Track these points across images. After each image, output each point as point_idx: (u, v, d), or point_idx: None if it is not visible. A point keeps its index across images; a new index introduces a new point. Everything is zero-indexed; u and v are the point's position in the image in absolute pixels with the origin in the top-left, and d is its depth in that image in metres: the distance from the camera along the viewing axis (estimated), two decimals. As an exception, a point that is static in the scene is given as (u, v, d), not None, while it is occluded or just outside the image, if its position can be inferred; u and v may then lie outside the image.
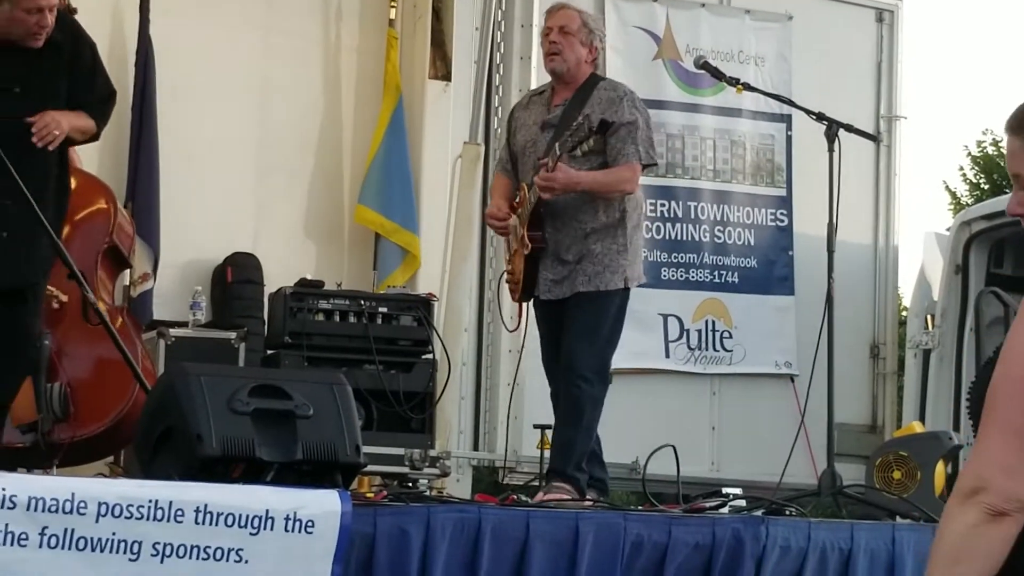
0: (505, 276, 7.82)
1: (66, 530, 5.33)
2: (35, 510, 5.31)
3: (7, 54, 6.77)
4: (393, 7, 10.75)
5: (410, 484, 8.23)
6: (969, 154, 30.11)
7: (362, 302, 9.08)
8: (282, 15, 10.68)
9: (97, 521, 5.38)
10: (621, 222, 7.54)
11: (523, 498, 7.36)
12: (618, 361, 9.49)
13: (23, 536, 5.29)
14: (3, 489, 5.30)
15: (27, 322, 7.09)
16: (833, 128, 8.02)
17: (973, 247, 10.62)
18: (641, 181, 9.45)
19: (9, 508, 5.28)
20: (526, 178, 7.46)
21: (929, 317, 11.36)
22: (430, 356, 8.83)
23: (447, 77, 10.42)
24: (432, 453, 8.52)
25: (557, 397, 7.63)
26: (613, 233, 7.50)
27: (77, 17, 7.68)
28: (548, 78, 8.10)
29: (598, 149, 7.35)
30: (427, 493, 7.69)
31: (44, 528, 5.33)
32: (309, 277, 9.29)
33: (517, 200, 7.56)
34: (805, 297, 10.34)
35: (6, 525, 5.28)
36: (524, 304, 7.99)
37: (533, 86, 8.89)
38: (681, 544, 6.47)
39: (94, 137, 7.19)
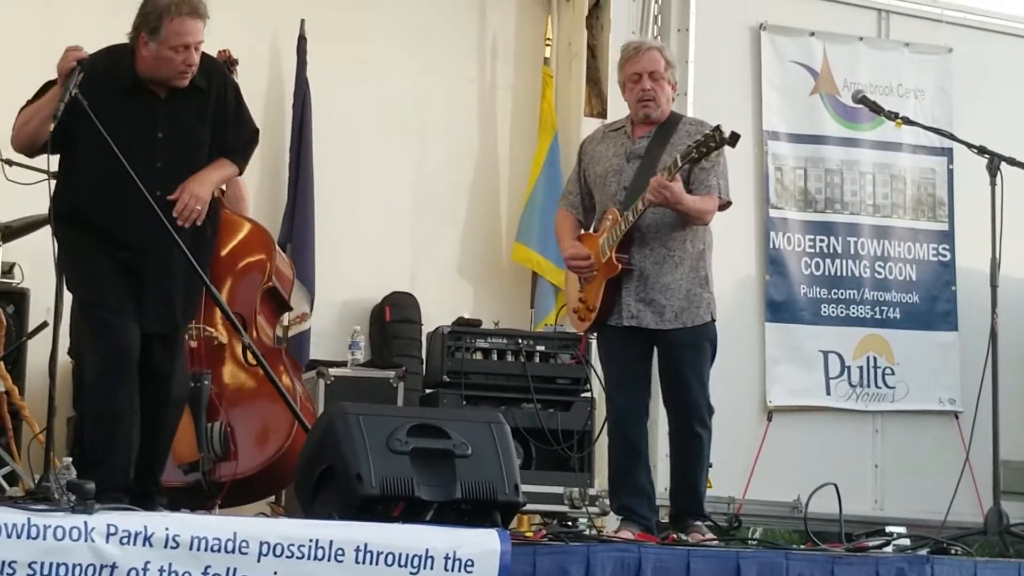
0: (573, 307, 7.75)
1: (228, 569, 5.33)
2: (198, 549, 5.27)
3: (152, 98, 6.77)
4: (548, 45, 10.74)
5: (569, 523, 8.09)
6: None
7: (520, 341, 9.03)
8: (437, 56, 10.71)
9: (259, 560, 5.38)
10: (703, 254, 7.49)
11: (682, 537, 7.08)
12: (779, 398, 10.24)
13: (187, 575, 5.29)
14: (167, 528, 5.24)
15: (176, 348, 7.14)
16: (995, 161, 7.80)
17: None
18: (800, 217, 10.47)
19: (172, 548, 5.24)
20: (608, 204, 7.47)
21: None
22: (588, 394, 8.69)
23: (603, 114, 10.11)
24: (591, 492, 8.29)
25: (632, 430, 7.60)
26: (696, 265, 7.45)
27: (239, 64, 8.03)
28: (621, 110, 8.16)
29: (683, 179, 7.30)
30: (587, 532, 7.53)
31: (207, 567, 5.29)
32: (466, 316, 9.25)
33: (598, 228, 7.56)
34: (969, 333, 10.08)
35: (170, 564, 5.24)
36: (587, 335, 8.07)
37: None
38: None
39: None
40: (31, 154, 6.83)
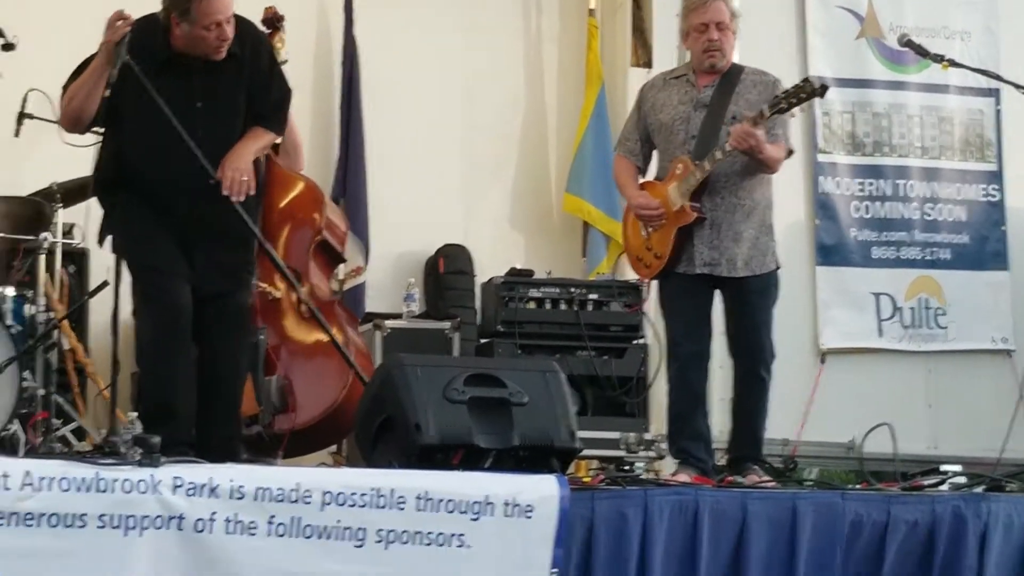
0: (637, 255, 7.76)
1: (293, 518, 5.38)
2: (262, 500, 5.36)
3: (188, 69, 6.83)
4: (592, 5, 10.75)
5: (626, 468, 8.08)
6: None
7: (572, 290, 9.03)
8: (483, 10, 10.70)
9: (322, 509, 5.42)
10: (769, 203, 7.51)
11: (739, 480, 7.13)
12: (831, 341, 10.26)
13: (252, 524, 5.36)
14: (231, 480, 5.35)
15: (243, 302, 7.25)
16: None
17: None
18: (848, 160, 10.55)
19: (238, 498, 5.32)
20: (675, 152, 7.45)
21: None
22: (642, 341, 8.72)
23: (649, 64, 10.20)
24: (647, 436, 8.35)
25: (694, 376, 7.64)
26: (764, 214, 7.46)
27: (285, 20, 8.20)
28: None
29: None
30: (643, 476, 7.54)
31: (272, 517, 5.35)
32: (519, 266, 9.29)
33: (661, 175, 7.62)
34: (1020, 272, 10.18)
35: (235, 514, 5.34)
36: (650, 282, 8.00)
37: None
38: (901, 522, 6.31)
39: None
40: (81, 130, 6.95)
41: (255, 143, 7.00)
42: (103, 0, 7.05)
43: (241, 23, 6.88)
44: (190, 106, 6.71)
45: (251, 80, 6.88)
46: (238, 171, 6.63)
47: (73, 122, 6.80)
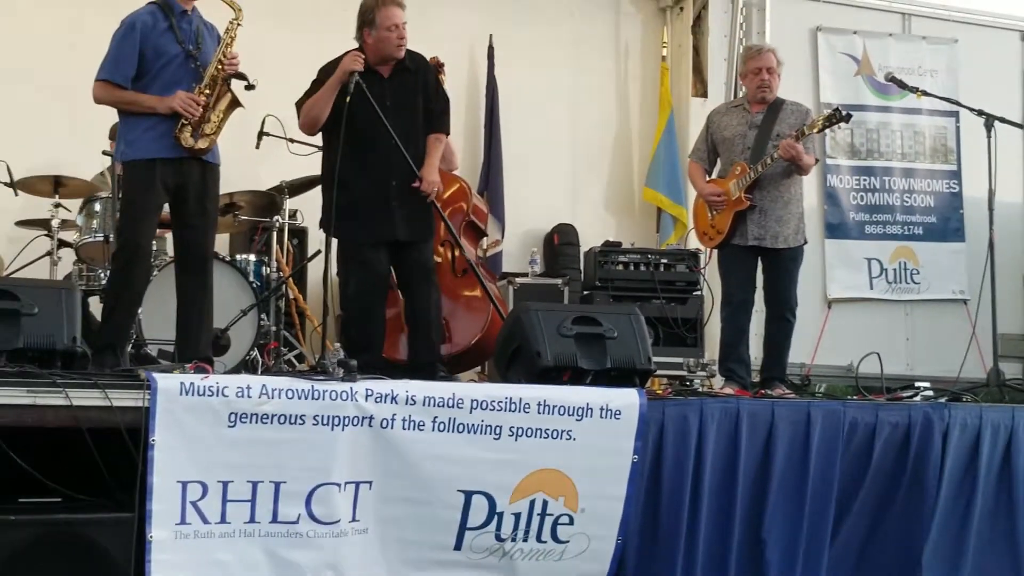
0: (703, 230, 8.06)
1: (450, 419, 5.65)
2: (428, 405, 5.62)
3: (379, 77, 6.96)
4: (664, 47, 11.18)
5: (687, 384, 8.35)
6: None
7: (649, 256, 9.48)
8: (586, 56, 11.27)
9: (471, 412, 5.68)
10: (801, 196, 7.74)
11: (768, 393, 7.32)
12: (835, 293, 10.80)
13: (421, 423, 5.60)
14: (407, 391, 5.57)
15: (429, 261, 7.32)
16: (989, 120, 8.21)
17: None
18: (848, 163, 10.96)
19: (411, 404, 5.58)
20: (734, 159, 7.74)
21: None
22: (699, 293, 9.20)
23: (704, 95, 10.80)
24: (702, 361, 8.75)
25: (742, 317, 7.93)
26: (798, 204, 7.70)
27: (445, 66, 8.33)
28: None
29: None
30: (700, 389, 7.83)
31: (435, 417, 5.61)
32: (611, 239, 9.85)
33: (724, 175, 7.87)
34: (973, 243, 10.61)
35: (409, 415, 5.59)
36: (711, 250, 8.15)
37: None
38: (885, 424, 6.53)
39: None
40: (313, 132, 7.25)
41: (436, 153, 7.08)
42: (314, 50, 7.71)
43: (414, 53, 7.14)
44: (382, 103, 6.84)
45: (424, 88, 6.97)
46: (432, 184, 6.91)
47: (311, 125, 7.09)
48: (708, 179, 7.82)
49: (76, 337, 5.67)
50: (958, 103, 9.31)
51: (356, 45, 6.92)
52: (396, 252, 7.02)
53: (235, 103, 6.73)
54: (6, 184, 8.06)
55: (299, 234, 9.06)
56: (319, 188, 7.65)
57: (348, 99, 6.67)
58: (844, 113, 7.63)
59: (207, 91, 6.51)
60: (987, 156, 8.27)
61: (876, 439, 6.47)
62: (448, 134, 7.37)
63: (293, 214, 8.82)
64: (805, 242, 7.67)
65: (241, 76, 6.78)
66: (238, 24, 6.80)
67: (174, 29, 6.69)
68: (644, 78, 11.29)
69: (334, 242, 6.99)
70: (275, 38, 9.17)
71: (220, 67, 6.74)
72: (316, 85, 6.94)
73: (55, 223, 7.95)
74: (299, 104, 7.05)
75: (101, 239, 7.58)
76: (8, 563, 4.99)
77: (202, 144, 6.42)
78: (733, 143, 7.63)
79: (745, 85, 7.81)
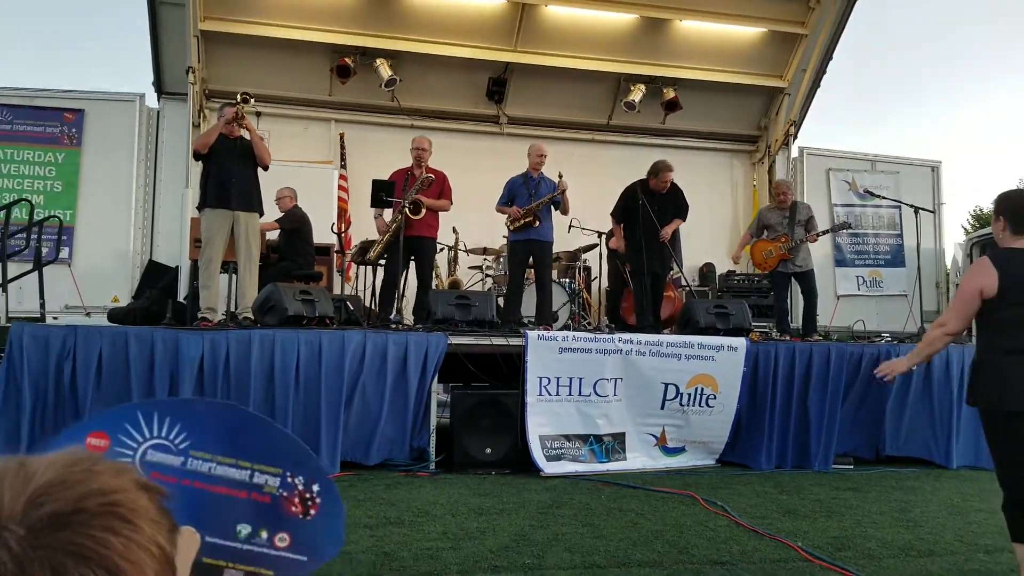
0: (760, 264, 7.21)
1: (658, 350, 5.40)
2: (648, 344, 5.35)
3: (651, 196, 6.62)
4: (754, 180, 10.71)
5: (768, 335, 7.91)
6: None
7: (749, 277, 9.15)
8: (717, 185, 10.61)
9: (667, 347, 5.46)
10: (811, 249, 7.33)
11: (806, 339, 6.59)
12: (841, 291, 9.67)
13: (644, 352, 5.30)
14: (638, 338, 5.35)
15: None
16: (916, 209, 7.53)
17: (975, 249, 10.35)
18: (847, 232, 9.79)
19: (639, 344, 5.30)
20: (776, 232, 7.13)
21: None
22: (772, 293, 8.67)
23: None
24: (772, 326, 8.15)
25: (783, 303, 7.24)
26: (810, 252, 7.24)
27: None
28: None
29: (805, 228, 7.20)
30: (774, 337, 7.32)
31: (650, 349, 5.33)
32: (730, 269, 9.38)
33: (776, 240, 7.10)
34: (909, 268, 9.82)
35: (638, 348, 5.29)
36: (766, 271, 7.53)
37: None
38: (867, 354, 5.88)
39: None
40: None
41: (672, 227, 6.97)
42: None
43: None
44: (653, 208, 6.65)
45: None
46: (666, 236, 6.66)
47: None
48: (760, 239, 7.45)
49: (494, 315, 6.02)
50: (900, 201, 9.14)
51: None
52: (653, 278, 6.69)
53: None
54: (463, 250, 8.60)
55: (587, 269, 8.61)
56: (596, 248, 7.65)
57: (640, 203, 6.47)
58: (848, 223, 8.00)
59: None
60: (915, 226, 8.23)
61: (863, 360, 6.04)
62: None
63: (585, 260, 8.46)
64: (812, 267, 7.21)
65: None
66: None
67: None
68: (743, 200, 10.99)
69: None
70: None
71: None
72: (621, 198, 6.73)
73: (484, 266, 8.37)
74: (612, 213, 6.76)
75: (503, 273, 7.82)
76: (468, 410, 5.53)
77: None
78: (775, 227, 7.31)
79: (778, 200, 7.34)
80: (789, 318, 7.74)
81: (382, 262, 6.77)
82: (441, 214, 6.90)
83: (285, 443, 1.56)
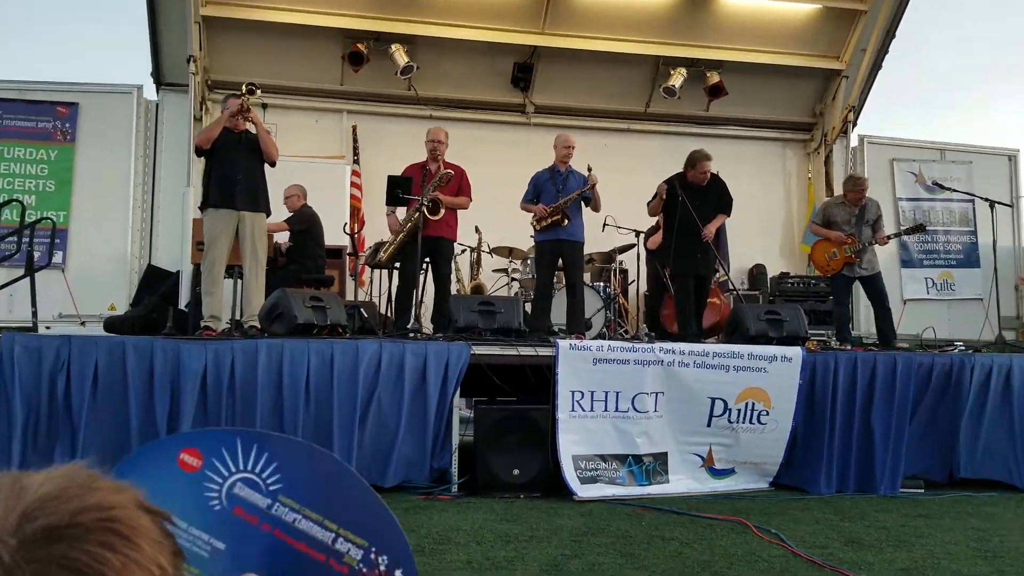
0: (822, 265, 7.14)
1: (703, 360, 5.48)
2: (692, 354, 5.46)
3: (691, 189, 6.69)
4: (809, 176, 10.73)
5: (827, 343, 7.71)
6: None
7: (804, 279, 9.33)
8: (769, 176, 10.57)
9: (712, 358, 5.57)
10: (874, 250, 7.27)
11: (871, 347, 6.80)
12: (908, 296, 9.74)
13: (686, 363, 5.38)
14: (680, 347, 5.48)
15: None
16: (991, 203, 7.57)
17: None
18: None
19: (682, 354, 5.40)
20: (843, 231, 7.05)
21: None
22: (831, 297, 8.76)
23: (832, 196, 10.20)
24: (831, 333, 8.26)
25: (844, 307, 7.22)
26: (876, 254, 7.19)
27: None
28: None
29: (871, 228, 7.21)
30: (834, 347, 7.07)
31: (695, 360, 5.41)
32: (783, 271, 9.74)
33: (846, 237, 7.06)
34: (986, 270, 9.66)
35: (681, 359, 5.38)
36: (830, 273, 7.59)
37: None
38: (938, 364, 5.88)
39: None
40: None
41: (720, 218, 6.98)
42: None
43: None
44: (692, 202, 6.62)
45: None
46: (709, 235, 6.72)
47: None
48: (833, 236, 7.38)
49: (521, 322, 6.24)
50: (974, 195, 9.08)
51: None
52: (696, 281, 6.82)
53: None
54: (486, 251, 8.79)
55: (623, 272, 8.82)
56: (633, 249, 7.88)
57: (679, 198, 6.45)
58: (923, 225, 7.66)
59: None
60: (991, 222, 7.84)
61: (933, 371, 6.04)
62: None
63: (621, 262, 8.65)
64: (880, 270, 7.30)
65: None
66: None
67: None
68: (799, 192, 11.09)
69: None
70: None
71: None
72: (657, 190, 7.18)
73: (510, 269, 8.70)
74: (648, 204, 6.72)
75: (530, 276, 8.06)
76: (493, 427, 5.57)
77: None
78: (841, 225, 7.25)
79: (847, 196, 7.32)
80: (851, 325, 7.70)
81: (396, 265, 6.65)
82: (460, 213, 6.76)
83: (376, 511, 1.58)
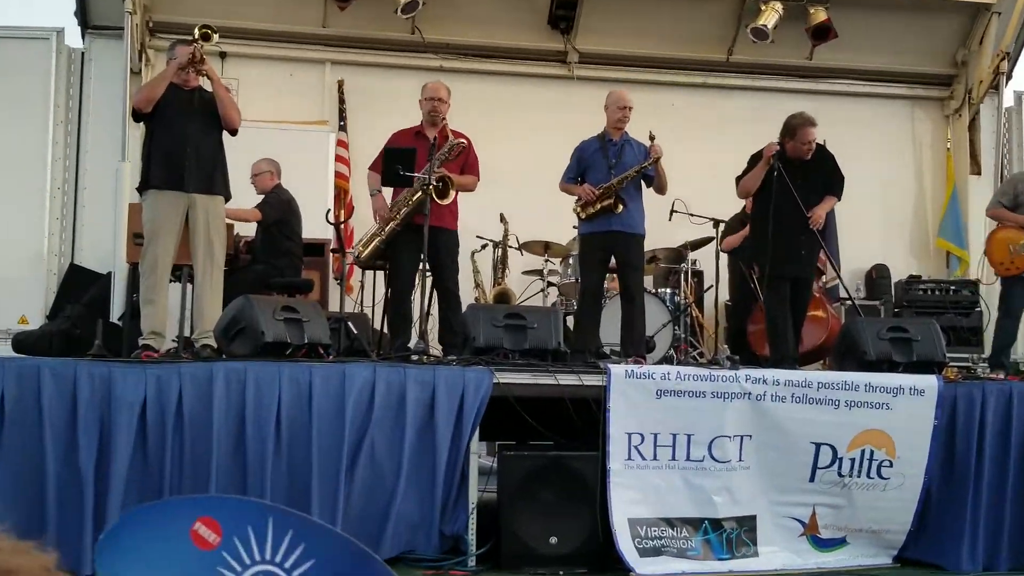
0: (1000, 261, 7.03)
1: (804, 394, 5.46)
2: (789, 385, 5.38)
3: (791, 164, 6.54)
4: (948, 143, 10.52)
5: (972, 371, 7.68)
6: None
7: (941, 284, 9.26)
8: (899, 153, 10.52)
9: (818, 391, 5.53)
10: None
11: None
12: None
13: (783, 397, 5.40)
14: (774, 376, 5.48)
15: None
16: None
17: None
18: None
19: (777, 384, 5.41)
20: None
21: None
22: (978, 309, 8.98)
23: (978, 172, 10.48)
24: (982, 357, 8.16)
25: (1011, 322, 7.20)
26: None
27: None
28: None
29: None
30: (980, 375, 6.98)
31: (793, 393, 5.37)
32: (913, 273, 9.75)
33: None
34: None
35: (776, 392, 5.41)
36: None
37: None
38: None
39: None
40: (743, 197, 6.89)
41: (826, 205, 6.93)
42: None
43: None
44: (793, 181, 6.41)
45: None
46: (819, 221, 6.56)
47: (744, 194, 6.78)
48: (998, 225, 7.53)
49: (560, 341, 6.14)
50: None
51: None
52: (795, 286, 6.63)
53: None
54: (515, 248, 8.74)
55: (698, 275, 8.96)
56: (709, 246, 7.85)
57: (775, 173, 6.37)
58: None
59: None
60: None
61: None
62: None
63: (694, 261, 8.70)
64: None
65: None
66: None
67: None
68: (936, 166, 10.96)
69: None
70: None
71: None
72: (751, 162, 6.65)
73: (546, 271, 8.57)
74: (738, 179, 6.76)
75: (573, 280, 8.04)
76: (523, 480, 5.53)
77: None
78: None
79: None
80: (1013, 347, 7.57)
81: (380, 263, 6.60)
82: (467, 196, 6.68)
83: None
